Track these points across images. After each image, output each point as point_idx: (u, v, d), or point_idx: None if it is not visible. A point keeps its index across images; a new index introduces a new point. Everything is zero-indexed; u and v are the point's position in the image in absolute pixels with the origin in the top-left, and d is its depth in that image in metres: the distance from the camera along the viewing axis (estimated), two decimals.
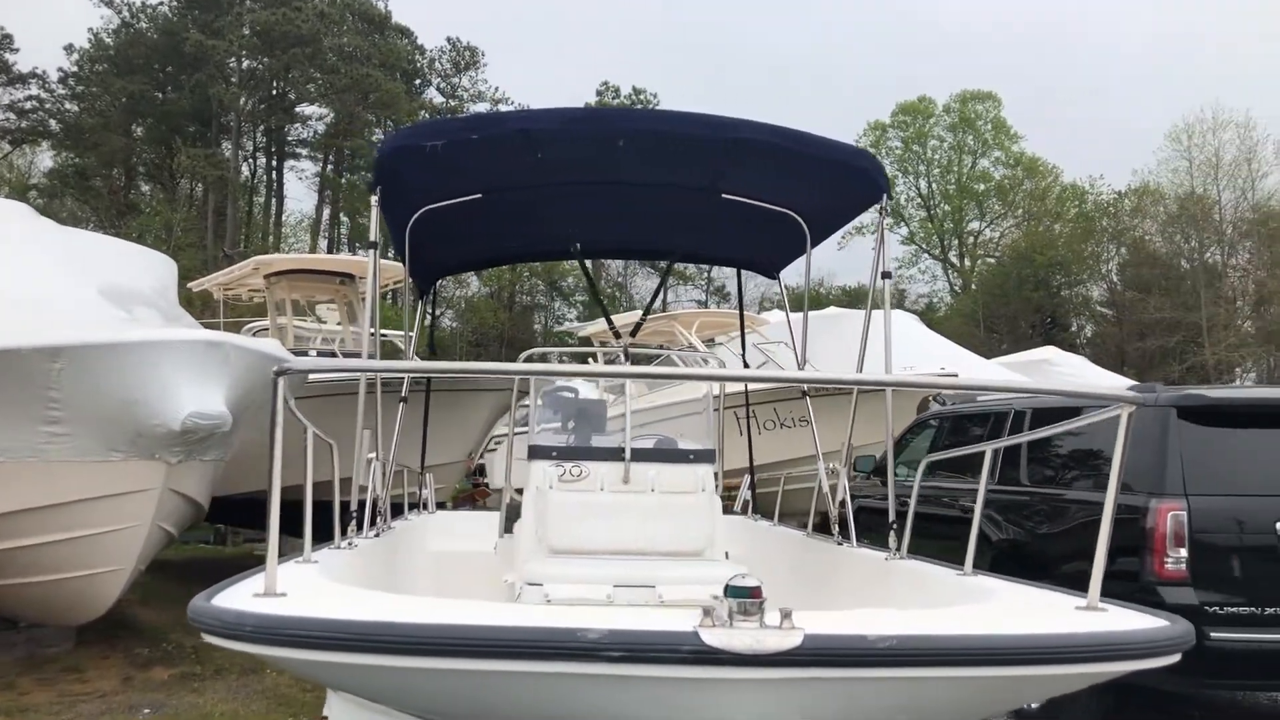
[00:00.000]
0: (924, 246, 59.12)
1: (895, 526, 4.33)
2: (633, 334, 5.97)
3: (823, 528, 5.36)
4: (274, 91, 50.81)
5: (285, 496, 8.84)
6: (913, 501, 4.22)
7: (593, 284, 6.95)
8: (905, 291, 56.15)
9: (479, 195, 4.97)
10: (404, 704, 2.34)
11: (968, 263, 59.12)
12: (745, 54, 76.98)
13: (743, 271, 6.95)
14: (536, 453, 4.42)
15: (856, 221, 6.02)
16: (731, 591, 1.91)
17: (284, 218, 55.00)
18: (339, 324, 13.22)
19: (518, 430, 4.74)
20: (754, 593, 1.89)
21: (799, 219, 5.32)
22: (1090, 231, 50.61)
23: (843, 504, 4.91)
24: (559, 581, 3.57)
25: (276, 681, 7.57)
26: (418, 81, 57.39)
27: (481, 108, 58.55)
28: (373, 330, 5.29)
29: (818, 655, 1.82)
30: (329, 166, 54.21)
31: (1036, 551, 6.29)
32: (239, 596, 2.47)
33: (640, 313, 6.75)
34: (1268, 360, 42.01)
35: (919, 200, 58.51)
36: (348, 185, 54.52)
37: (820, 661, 1.83)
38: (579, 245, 6.04)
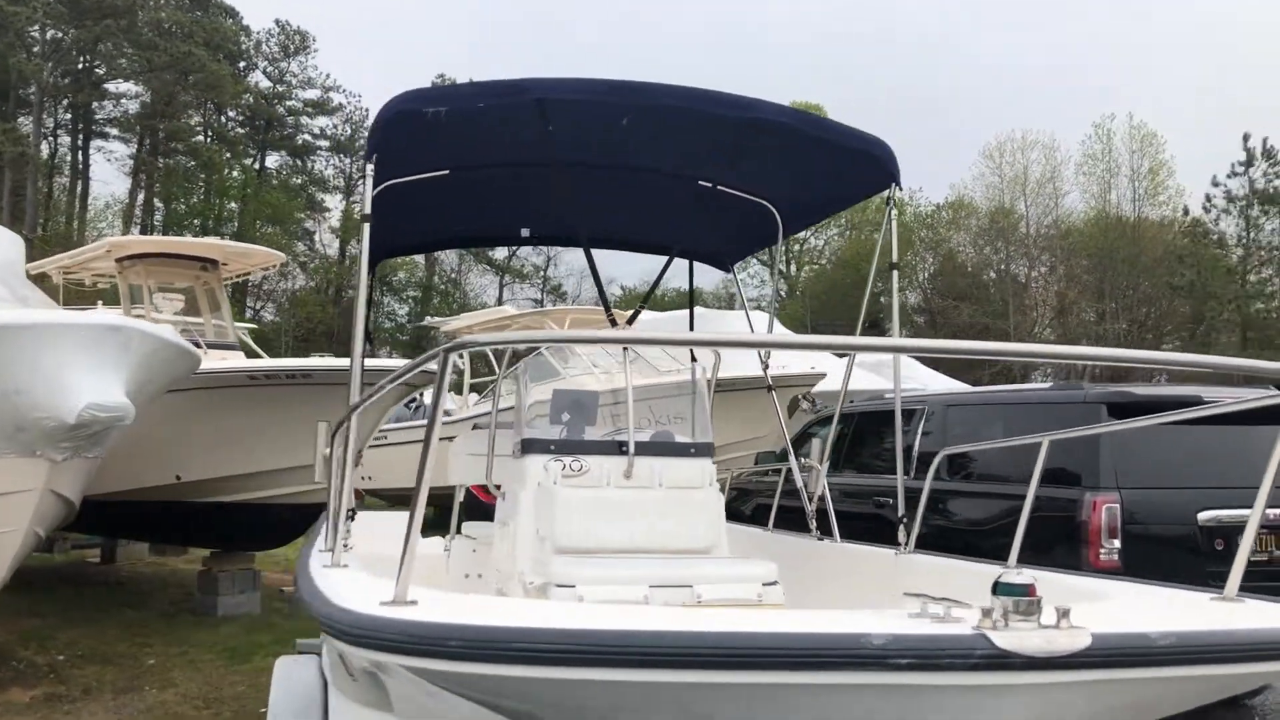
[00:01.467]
0: (754, 254, 60.63)
1: (905, 520, 4.34)
2: (629, 322, 5.76)
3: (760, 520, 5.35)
4: (81, 65, 47.19)
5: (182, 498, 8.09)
6: (924, 496, 4.24)
7: (596, 275, 6.67)
8: (734, 296, 57.47)
9: (446, 172, 4.68)
10: None
11: (794, 269, 61.07)
12: (578, 49, 76.95)
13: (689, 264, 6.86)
14: (532, 446, 4.16)
15: None
16: (1004, 590, 1.79)
17: (90, 201, 51.19)
18: (177, 314, 12.29)
19: (500, 425, 4.47)
20: (1029, 591, 1.78)
21: (773, 210, 5.28)
22: (909, 242, 53.17)
23: (821, 499, 4.90)
24: (592, 583, 3.36)
25: (160, 699, 6.98)
26: (242, 64, 54.59)
27: (312, 95, 56.33)
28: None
29: (1107, 656, 1.74)
30: (144, 148, 50.79)
31: (952, 541, 6.51)
32: (373, 606, 2.18)
33: (593, 307, 6.54)
34: (1064, 365, 45.20)
35: None
36: (165, 169, 51.30)
37: (1109, 662, 1.74)
38: (586, 234, 5.77)
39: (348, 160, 59.18)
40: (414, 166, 4.49)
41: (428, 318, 39.24)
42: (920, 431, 7.33)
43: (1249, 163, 43.74)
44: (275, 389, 8.62)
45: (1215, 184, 44.86)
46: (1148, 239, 46.17)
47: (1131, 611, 2.01)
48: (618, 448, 4.20)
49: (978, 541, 6.36)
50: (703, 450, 4.37)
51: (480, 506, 6.08)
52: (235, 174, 54.42)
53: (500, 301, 57.00)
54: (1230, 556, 5.97)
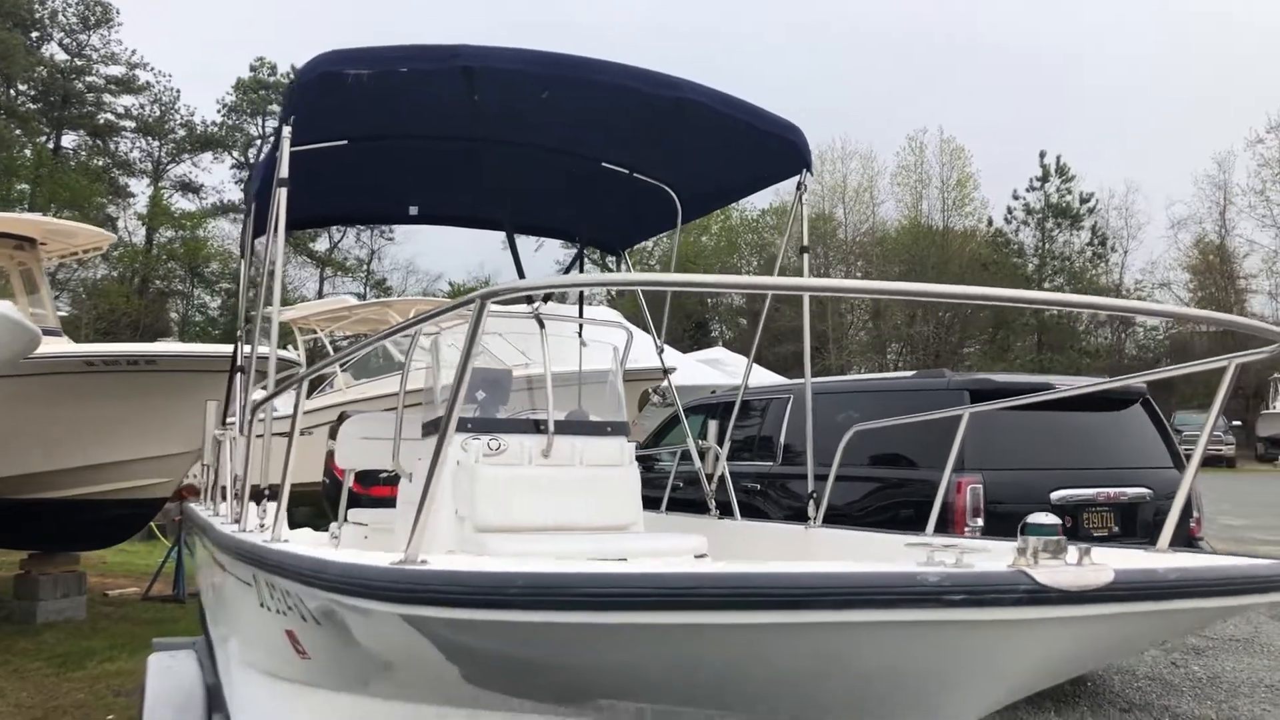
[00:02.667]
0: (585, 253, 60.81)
1: (815, 495, 4.46)
2: (546, 300, 5.62)
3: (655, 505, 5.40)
4: None
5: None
6: (832, 475, 4.38)
7: (519, 261, 6.41)
8: (566, 295, 57.51)
9: (344, 142, 4.49)
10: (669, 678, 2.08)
11: (624, 267, 61.58)
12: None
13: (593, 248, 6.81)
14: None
15: None
16: (1034, 530, 1.88)
17: None
18: None
19: (410, 405, 4.30)
20: (1058, 531, 1.87)
21: (672, 193, 5.32)
22: (735, 245, 54.66)
23: (721, 480, 4.98)
24: (528, 558, 3.28)
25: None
26: (35, 34, 50.61)
27: (116, 71, 52.76)
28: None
29: (1129, 590, 1.85)
30: None
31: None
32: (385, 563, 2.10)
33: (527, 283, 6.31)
34: (877, 364, 47.50)
35: None
36: None
37: (1130, 596, 1.86)
38: (415, 209, 5.65)
39: (156, 143, 55.85)
40: (332, 132, 4.28)
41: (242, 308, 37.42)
42: (786, 420, 7.57)
43: (1045, 178, 47.24)
44: (115, 376, 8.04)
45: (1015, 197, 48.25)
46: (954, 247, 49.07)
47: (1123, 556, 2.15)
48: (535, 426, 4.14)
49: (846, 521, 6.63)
50: (619, 429, 4.36)
51: (352, 497, 5.82)
52: (27, 153, 50.38)
53: (320, 295, 55.08)
54: (1078, 533, 6.46)
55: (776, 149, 4.72)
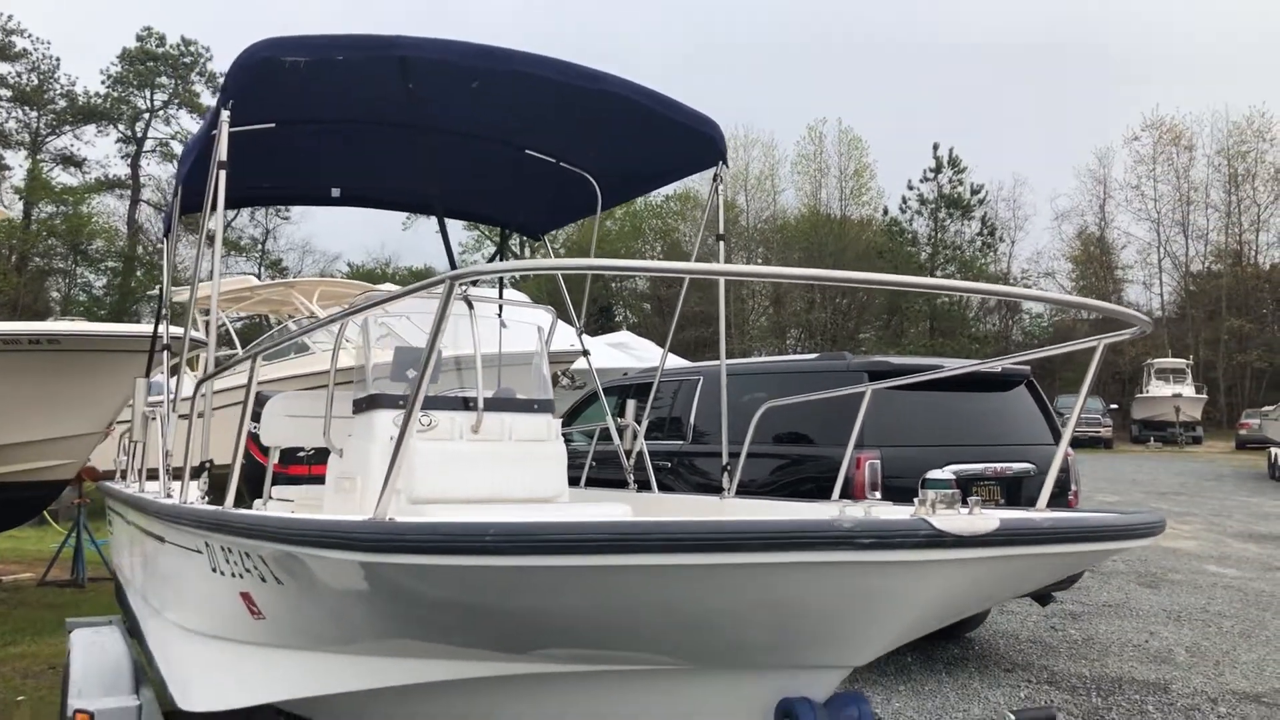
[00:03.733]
0: (486, 234, 60.45)
1: (729, 468, 4.72)
2: (475, 282, 5.69)
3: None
4: None
5: None
6: (744, 449, 4.66)
7: (449, 245, 6.40)
8: (477, 281, 57.01)
9: (272, 125, 4.55)
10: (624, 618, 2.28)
11: (527, 252, 61.40)
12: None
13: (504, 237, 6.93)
14: (378, 402, 4.16)
15: None
16: (932, 485, 2.16)
17: None
18: None
19: (340, 383, 4.39)
20: (954, 485, 2.15)
21: (593, 181, 5.50)
22: (639, 230, 54.97)
23: (640, 455, 5.22)
24: None
25: None
26: None
27: None
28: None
29: (1010, 535, 2.14)
30: None
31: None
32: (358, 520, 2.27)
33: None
34: (777, 349, 48.51)
35: None
36: None
37: (1011, 541, 2.15)
38: (338, 191, 5.72)
39: (34, 114, 53.40)
40: (265, 115, 4.35)
41: (155, 288, 36.24)
42: (696, 401, 7.85)
43: (938, 169, 48.79)
44: (15, 355, 7.87)
45: (910, 187, 49.70)
46: (851, 235, 50.33)
47: (1007, 512, 2.45)
48: (464, 403, 4.30)
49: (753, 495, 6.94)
50: (545, 406, 4.54)
51: (261, 475, 5.85)
52: None
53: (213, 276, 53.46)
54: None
55: (694, 141, 4.95)
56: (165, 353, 5.49)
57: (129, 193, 54.79)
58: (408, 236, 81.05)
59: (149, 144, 55.21)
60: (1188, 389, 39.46)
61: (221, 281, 16.32)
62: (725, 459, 4.81)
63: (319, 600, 2.66)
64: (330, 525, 2.33)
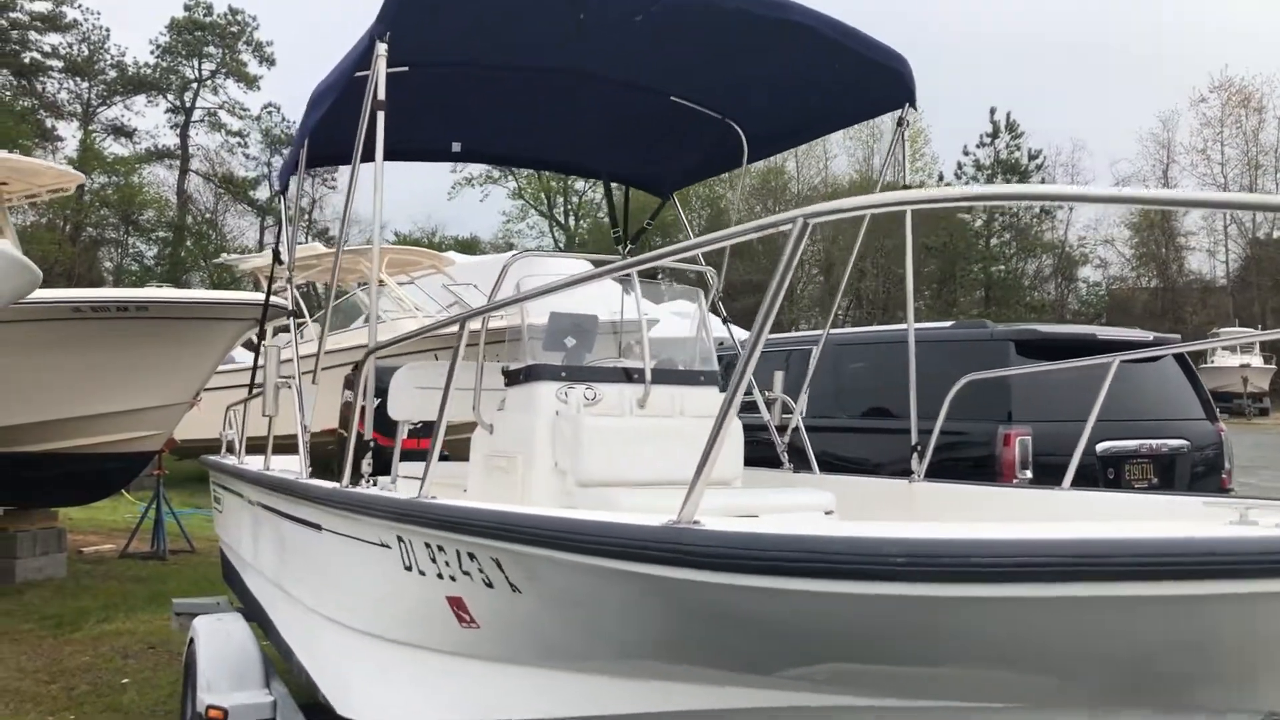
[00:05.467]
0: (532, 203, 60.19)
1: (919, 448, 4.31)
2: (633, 239, 5.32)
3: None
4: None
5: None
6: (937, 425, 4.24)
7: (613, 205, 6.05)
8: (514, 245, 56.76)
9: (406, 69, 4.14)
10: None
11: (573, 222, 61.04)
12: None
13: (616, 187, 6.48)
14: (539, 372, 3.78)
15: None
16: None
17: None
18: None
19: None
20: None
21: (739, 131, 5.05)
22: (686, 197, 54.35)
23: (796, 432, 4.81)
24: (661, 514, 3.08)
25: None
26: None
27: (42, 7, 50.32)
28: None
29: None
30: None
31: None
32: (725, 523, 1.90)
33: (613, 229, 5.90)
34: (823, 319, 47.74)
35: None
36: None
37: None
38: (459, 146, 5.31)
39: (85, 84, 53.61)
40: (405, 56, 3.92)
41: (223, 255, 36.33)
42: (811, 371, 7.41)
43: (995, 134, 47.61)
44: (102, 323, 7.61)
45: (966, 153, 48.57)
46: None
47: None
48: (625, 375, 3.91)
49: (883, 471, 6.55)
50: (711, 378, 4.15)
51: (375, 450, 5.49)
52: None
53: (261, 246, 53.72)
54: (1119, 485, 6.41)
55: (880, 80, 4.45)
56: (291, 319, 5.15)
57: (178, 163, 54.94)
58: (451, 206, 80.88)
59: (197, 114, 55.29)
60: (1256, 359, 38.27)
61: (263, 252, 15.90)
62: (914, 438, 4.39)
63: (568, 612, 2.28)
64: (628, 532, 1.93)
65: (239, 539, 5.55)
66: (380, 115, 3.74)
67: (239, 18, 54.73)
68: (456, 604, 2.61)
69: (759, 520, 2.22)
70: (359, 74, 3.93)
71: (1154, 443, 6.26)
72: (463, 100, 4.90)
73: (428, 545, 2.61)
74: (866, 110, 4.89)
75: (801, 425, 4.89)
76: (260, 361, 6.69)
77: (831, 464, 5.50)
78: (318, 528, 3.62)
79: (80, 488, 8.89)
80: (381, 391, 5.21)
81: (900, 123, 4.65)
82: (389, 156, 6.10)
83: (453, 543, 2.47)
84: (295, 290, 5.56)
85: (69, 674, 6.08)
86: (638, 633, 2.18)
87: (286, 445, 6.11)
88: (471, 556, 2.41)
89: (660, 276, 5.36)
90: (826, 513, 3.49)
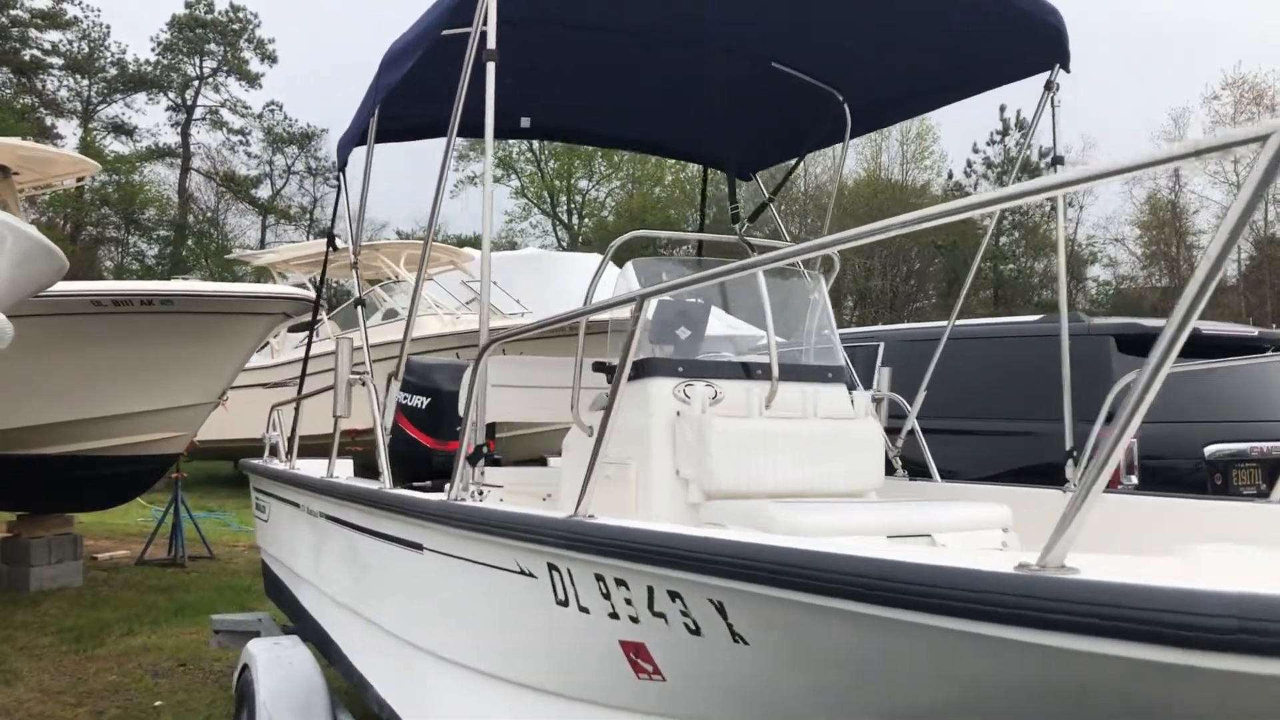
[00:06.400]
0: (535, 202, 59.74)
1: (1075, 454, 3.87)
2: (751, 218, 4.83)
3: None
4: None
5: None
6: (1096, 427, 3.79)
7: (734, 190, 5.73)
8: (516, 244, 56.29)
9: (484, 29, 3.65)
10: None
11: (575, 220, 60.62)
12: None
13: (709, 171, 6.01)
14: (654, 368, 3.33)
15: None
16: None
17: None
18: None
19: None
20: None
21: (843, 102, 4.60)
22: (690, 196, 54.02)
23: (912, 434, 4.38)
24: (826, 533, 2.64)
25: (14, 698, 5.59)
26: None
27: (42, 4, 49.83)
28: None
29: None
30: None
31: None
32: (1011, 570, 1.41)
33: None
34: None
35: (530, 155, 58.76)
36: None
37: None
38: (528, 121, 4.84)
39: (85, 82, 53.08)
40: (513, 8, 3.44)
41: (235, 250, 35.93)
42: (878, 370, 6.98)
43: (1005, 132, 47.19)
44: (126, 318, 7.17)
45: (975, 150, 48.16)
46: (911, 201, 48.83)
47: None
48: (744, 370, 3.47)
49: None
50: (839, 375, 3.71)
51: (420, 454, 5.00)
52: None
53: (263, 244, 53.27)
54: (1227, 490, 5.97)
55: (1028, 36, 3.88)
56: (360, 308, 4.71)
57: (179, 161, 54.41)
58: (453, 205, 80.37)
59: (198, 111, 54.75)
60: None
61: (303, 245, 15.67)
62: (1069, 443, 3.95)
63: (819, 674, 1.82)
64: (973, 581, 1.47)
65: (292, 552, 5.08)
66: (490, 66, 3.28)
67: (240, 15, 54.22)
68: (634, 650, 2.16)
69: (1008, 552, 1.74)
70: (447, 32, 3.49)
71: (1265, 445, 5.82)
72: (534, 67, 4.42)
73: (599, 578, 2.15)
74: (1005, 73, 4.22)
75: (918, 428, 4.45)
76: (307, 355, 6.22)
77: (915, 470, 5.08)
78: (418, 547, 3.16)
79: (99, 492, 8.45)
80: (424, 390, 4.76)
81: (1049, 86, 4.13)
82: (441, 132, 5.57)
83: (643, 577, 2.01)
84: (360, 279, 5.08)
85: (96, 696, 5.63)
86: (921, 701, 1.73)
87: (311, 447, 5.67)
88: (675, 596, 1.96)
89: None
90: (1004, 530, 3.05)
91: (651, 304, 3.76)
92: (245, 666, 4.00)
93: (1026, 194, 1.85)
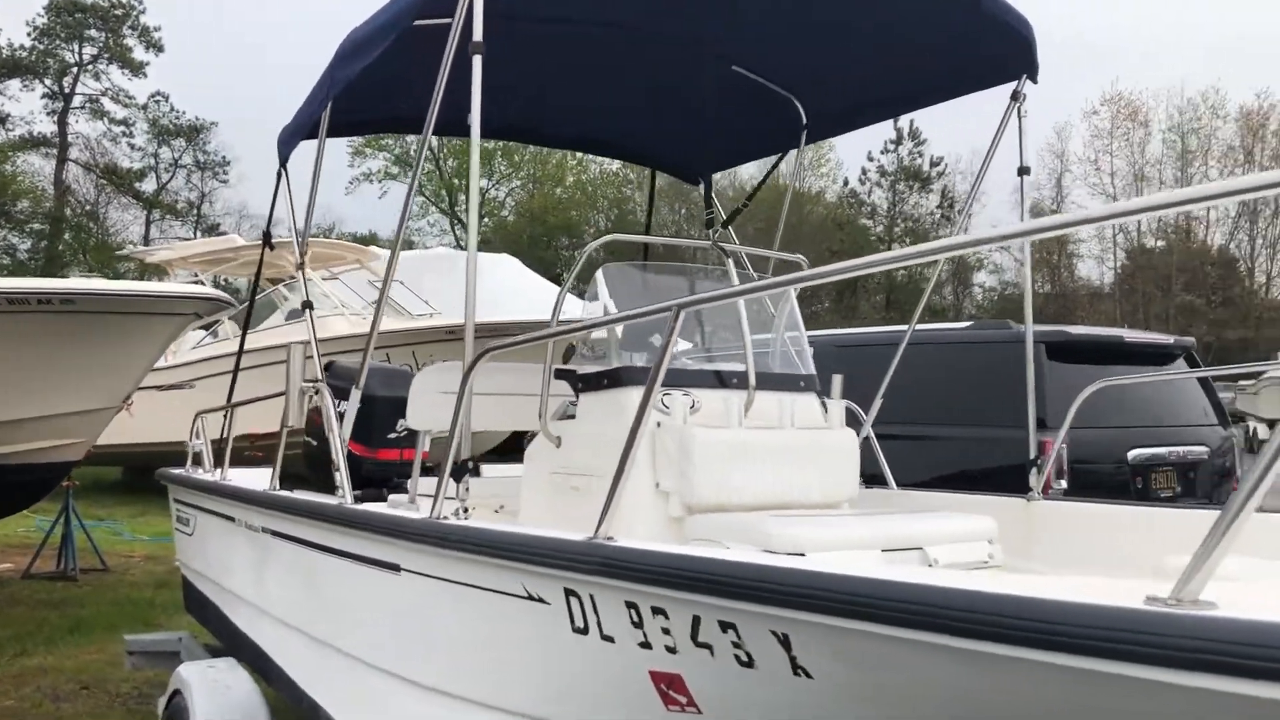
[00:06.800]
0: (433, 200, 58.89)
1: (1038, 463, 3.89)
2: (725, 224, 4.66)
3: None
4: None
5: None
6: (1061, 432, 3.81)
7: (652, 195, 5.54)
8: (414, 243, 55.34)
9: (448, 20, 3.46)
10: None
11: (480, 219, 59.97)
12: None
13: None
14: (628, 377, 3.22)
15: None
16: None
17: None
18: None
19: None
20: None
21: (799, 106, 4.55)
22: (592, 199, 54.11)
23: (867, 441, 4.36)
24: (825, 549, 2.58)
25: None
26: None
27: None
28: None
29: None
30: None
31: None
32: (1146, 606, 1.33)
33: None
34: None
35: (428, 154, 57.85)
36: None
37: None
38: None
39: None
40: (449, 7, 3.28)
41: (128, 247, 34.27)
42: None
43: (899, 141, 48.46)
44: (19, 317, 6.72)
45: (870, 159, 49.33)
46: (807, 209, 49.68)
47: None
48: (717, 379, 3.39)
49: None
50: (810, 384, 3.66)
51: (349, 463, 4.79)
52: None
53: (147, 240, 51.20)
54: (1147, 495, 6.16)
55: (999, 45, 3.85)
56: (308, 310, 4.47)
57: (55, 151, 51.84)
58: (348, 202, 78.64)
59: (77, 100, 52.26)
60: None
61: (202, 241, 15.08)
62: (1033, 451, 3.99)
63: (892, 709, 1.74)
64: (1110, 619, 1.38)
65: (224, 568, 4.80)
66: (478, 60, 3.13)
67: (124, 0, 51.99)
68: (666, 681, 2.05)
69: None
70: (420, 22, 3.33)
71: (1181, 449, 6.04)
72: (486, 63, 4.27)
73: (631, 606, 2.03)
74: (970, 82, 4.20)
75: (873, 435, 4.45)
76: (235, 358, 5.91)
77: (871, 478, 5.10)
78: (394, 568, 2.99)
79: None
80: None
81: (1015, 97, 4.13)
82: (399, 127, 5.34)
83: (689, 606, 1.90)
84: (306, 279, 4.83)
85: None
86: None
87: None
88: (728, 627, 1.86)
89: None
90: (990, 541, 3.04)
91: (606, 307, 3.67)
92: (176, 692, 3.75)
93: (1070, 224, 1.80)
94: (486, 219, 59.82)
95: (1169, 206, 1.57)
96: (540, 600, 2.32)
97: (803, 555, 2.48)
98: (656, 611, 2.01)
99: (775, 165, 5.46)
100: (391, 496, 4.03)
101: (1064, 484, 5.71)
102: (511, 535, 2.44)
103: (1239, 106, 47.08)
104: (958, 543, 2.95)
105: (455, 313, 14.18)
